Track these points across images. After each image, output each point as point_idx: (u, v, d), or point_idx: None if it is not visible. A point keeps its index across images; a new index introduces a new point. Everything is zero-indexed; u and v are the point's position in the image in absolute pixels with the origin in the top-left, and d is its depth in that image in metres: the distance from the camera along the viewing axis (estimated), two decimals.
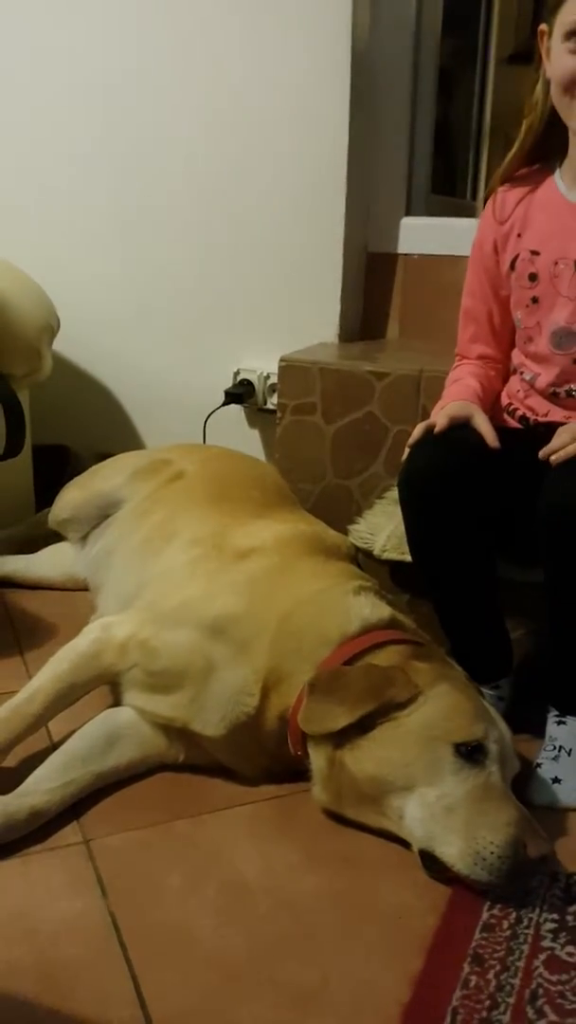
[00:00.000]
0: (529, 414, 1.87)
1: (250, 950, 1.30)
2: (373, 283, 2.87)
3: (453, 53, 3.43)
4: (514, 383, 1.93)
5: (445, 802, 1.43)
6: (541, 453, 1.65)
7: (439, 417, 1.77)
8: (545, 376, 1.83)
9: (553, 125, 1.78)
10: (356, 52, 2.59)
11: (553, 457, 1.63)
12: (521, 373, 1.89)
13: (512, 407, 1.91)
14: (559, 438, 1.66)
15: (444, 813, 1.43)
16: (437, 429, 1.75)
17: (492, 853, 1.37)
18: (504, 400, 1.94)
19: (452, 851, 1.40)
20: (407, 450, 1.77)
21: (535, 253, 1.82)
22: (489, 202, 1.91)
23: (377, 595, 1.74)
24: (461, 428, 1.77)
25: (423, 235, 2.80)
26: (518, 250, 1.85)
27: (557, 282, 1.79)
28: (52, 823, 1.54)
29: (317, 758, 1.55)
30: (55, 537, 2.51)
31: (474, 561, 1.77)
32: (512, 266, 1.86)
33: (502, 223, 1.87)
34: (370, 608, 1.67)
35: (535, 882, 1.43)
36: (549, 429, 1.73)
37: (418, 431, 1.78)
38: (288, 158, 2.71)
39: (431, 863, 1.44)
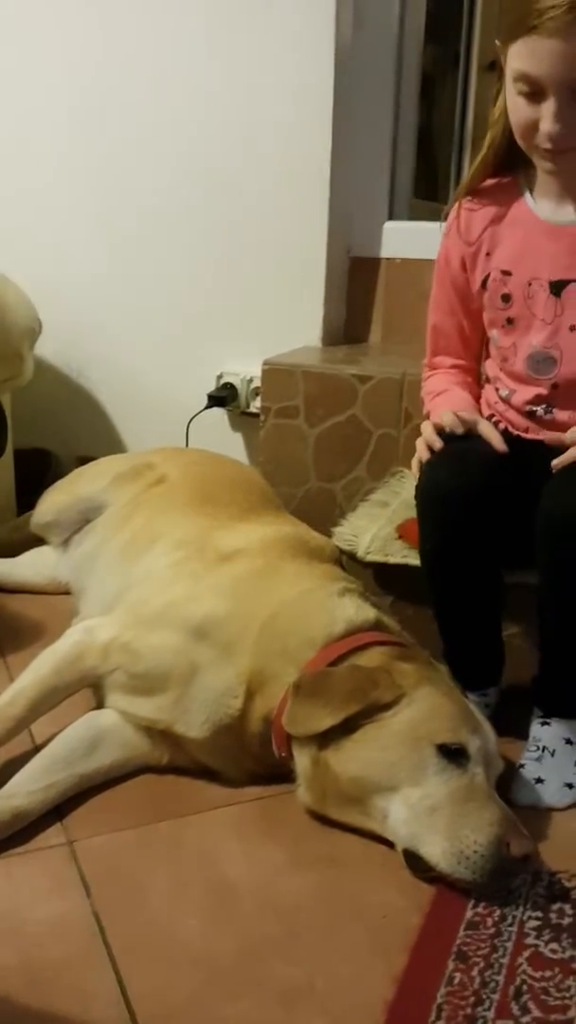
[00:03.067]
0: (510, 428, 1.83)
1: (235, 950, 1.30)
2: (356, 287, 2.87)
3: (436, 59, 3.45)
4: (491, 394, 1.88)
5: (429, 802, 1.43)
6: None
7: (445, 416, 1.71)
8: (521, 395, 1.79)
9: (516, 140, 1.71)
10: (339, 57, 2.59)
11: (554, 462, 1.60)
12: (497, 388, 1.85)
13: (494, 419, 1.85)
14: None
15: (428, 813, 1.43)
16: (448, 428, 1.69)
17: (475, 852, 1.37)
18: (485, 411, 1.88)
19: (436, 850, 1.40)
20: (416, 461, 1.74)
21: (507, 273, 1.76)
22: (452, 216, 1.83)
23: (361, 597, 1.74)
24: (471, 439, 1.72)
25: (405, 239, 2.81)
26: (488, 269, 1.79)
27: (532, 303, 1.74)
28: (36, 824, 1.53)
29: (301, 759, 1.55)
30: (37, 541, 2.50)
31: (485, 572, 1.74)
32: (484, 285, 1.80)
33: (469, 244, 1.80)
34: (355, 610, 1.67)
35: (518, 881, 1.43)
36: (535, 444, 1.71)
37: (428, 435, 1.71)
38: (272, 162, 2.71)
39: (415, 862, 1.44)
